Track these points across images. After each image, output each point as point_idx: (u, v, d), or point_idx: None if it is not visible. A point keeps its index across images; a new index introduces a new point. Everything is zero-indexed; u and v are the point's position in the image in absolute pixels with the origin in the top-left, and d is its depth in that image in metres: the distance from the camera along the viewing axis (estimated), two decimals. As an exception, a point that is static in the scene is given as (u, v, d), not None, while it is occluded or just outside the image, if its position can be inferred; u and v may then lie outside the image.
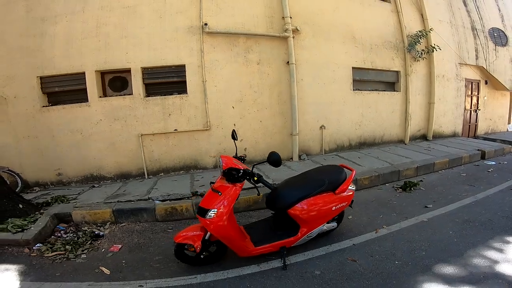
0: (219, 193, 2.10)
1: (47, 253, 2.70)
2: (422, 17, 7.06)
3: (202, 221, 2.15)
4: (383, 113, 6.74)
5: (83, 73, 4.67)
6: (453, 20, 7.82)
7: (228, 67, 5.05)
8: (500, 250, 2.57)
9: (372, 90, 6.67)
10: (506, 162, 6.13)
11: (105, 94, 4.93)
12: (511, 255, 2.48)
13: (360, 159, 5.55)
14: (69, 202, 3.79)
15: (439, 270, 2.31)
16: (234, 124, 5.15)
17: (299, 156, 5.66)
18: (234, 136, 2.63)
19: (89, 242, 2.92)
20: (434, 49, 6.87)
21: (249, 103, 5.29)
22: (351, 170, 2.80)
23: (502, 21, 9.20)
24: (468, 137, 8.73)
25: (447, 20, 7.66)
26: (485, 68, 8.52)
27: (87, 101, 4.72)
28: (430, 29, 6.82)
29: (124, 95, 4.91)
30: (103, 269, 2.48)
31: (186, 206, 3.50)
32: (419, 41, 6.74)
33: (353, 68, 6.18)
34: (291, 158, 5.62)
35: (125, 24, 4.66)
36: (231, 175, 2.13)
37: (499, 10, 9.22)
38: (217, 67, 4.98)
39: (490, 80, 9.03)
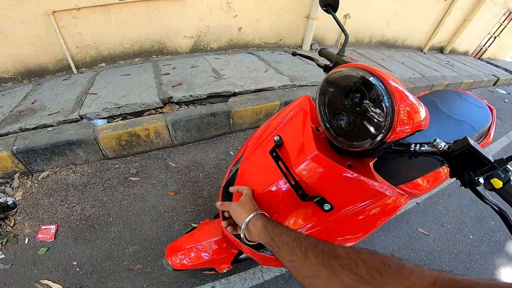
0: (328, 206, 0.66)
1: None
2: None
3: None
4: (417, 16, 5.42)
5: None
6: None
7: None
8: None
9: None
10: (517, 95, 5.64)
11: None
12: None
13: (385, 62, 4.45)
14: None
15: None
16: (228, -6, 3.20)
17: (311, 46, 4.26)
18: (332, 4, 0.97)
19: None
20: None
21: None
22: (488, 106, 1.48)
23: None
24: (474, 57, 8.07)
25: None
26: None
27: None
28: None
29: None
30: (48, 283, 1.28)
31: (155, 128, 2.01)
32: None
33: None
34: (300, 46, 4.28)
35: None
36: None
37: None
38: None
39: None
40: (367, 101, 0.58)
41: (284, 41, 4.05)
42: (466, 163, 0.56)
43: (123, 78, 2.57)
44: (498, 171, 0.54)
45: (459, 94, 1.50)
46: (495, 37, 8.03)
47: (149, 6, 2.85)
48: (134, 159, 2.04)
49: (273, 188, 0.73)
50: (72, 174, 1.86)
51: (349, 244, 0.81)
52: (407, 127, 0.55)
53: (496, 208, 0.55)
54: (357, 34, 4.81)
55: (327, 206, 0.66)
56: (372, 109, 0.57)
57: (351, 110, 0.62)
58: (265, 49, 3.88)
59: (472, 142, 0.54)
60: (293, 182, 0.67)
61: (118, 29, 2.83)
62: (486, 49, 8.24)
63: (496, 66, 7.54)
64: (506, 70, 7.40)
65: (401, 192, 0.69)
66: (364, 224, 0.72)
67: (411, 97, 0.56)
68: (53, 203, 1.67)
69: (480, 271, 1.67)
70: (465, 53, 7.58)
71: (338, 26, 0.96)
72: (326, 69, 0.99)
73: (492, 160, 0.53)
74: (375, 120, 0.57)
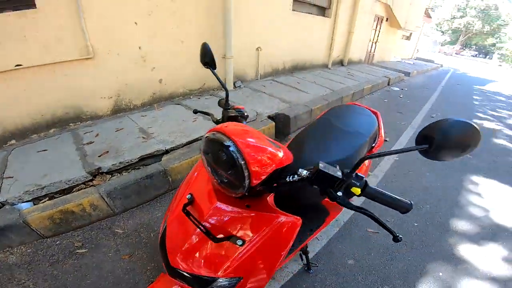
0: (240, 242, 0.79)
1: None
2: None
3: None
4: (315, 37, 6.43)
5: None
6: None
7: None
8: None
9: (308, 13, 5.91)
10: (406, 89, 6.96)
11: None
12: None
13: (301, 85, 5.00)
14: None
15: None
16: (140, 47, 3.22)
17: (234, 84, 4.53)
18: (210, 63, 1.16)
19: None
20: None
21: (165, 15, 3.32)
22: (373, 111, 1.76)
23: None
24: (368, 64, 9.66)
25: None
26: (390, 6, 9.12)
27: None
28: None
29: None
30: None
31: (89, 201, 1.88)
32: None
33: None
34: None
35: None
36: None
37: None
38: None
39: (390, 18, 10.00)
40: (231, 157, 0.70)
41: (208, 85, 4.21)
42: (325, 183, 0.67)
43: (41, 154, 2.33)
44: (353, 181, 0.65)
45: (347, 107, 1.72)
46: (376, 42, 9.85)
47: (53, 69, 2.65)
48: (76, 233, 1.87)
49: (193, 239, 0.83)
50: (11, 256, 1.68)
51: (269, 272, 0.90)
52: (268, 168, 0.70)
53: (362, 211, 0.68)
54: (271, 63, 5.32)
55: (239, 242, 0.78)
56: (238, 161, 0.69)
57: (223, 166, 0.74)
58: (191, 96, 3.96)
59: (321, 166, 0.66)
60: (204, 230, 0.77)
61: (21, 98, 2.55)
62: (373, 54, 10.02)
63: (386, 68, 9.17)
64: (394, 69, 9.06)
65: (296, 217, 0.88)
66: (275, 249, 0.88)
67: (266, 147, 0.72)
68: (1, 282, 1.51)
69: (443, 255, 1.86)
70: (359, 62, 9.03)
71: (255, 62, 1.11)
72: (218, 124, 1.13)
73: (340, 176, 0.65)
74: (241, 171, 0.69)
